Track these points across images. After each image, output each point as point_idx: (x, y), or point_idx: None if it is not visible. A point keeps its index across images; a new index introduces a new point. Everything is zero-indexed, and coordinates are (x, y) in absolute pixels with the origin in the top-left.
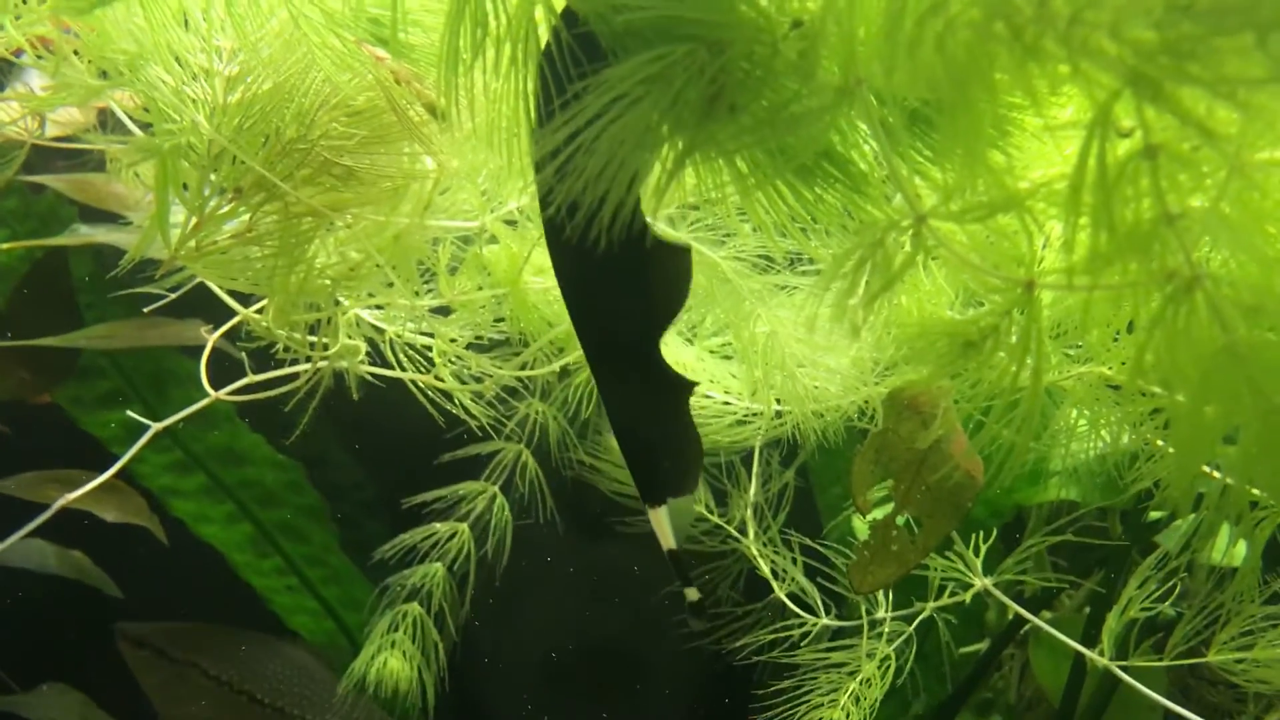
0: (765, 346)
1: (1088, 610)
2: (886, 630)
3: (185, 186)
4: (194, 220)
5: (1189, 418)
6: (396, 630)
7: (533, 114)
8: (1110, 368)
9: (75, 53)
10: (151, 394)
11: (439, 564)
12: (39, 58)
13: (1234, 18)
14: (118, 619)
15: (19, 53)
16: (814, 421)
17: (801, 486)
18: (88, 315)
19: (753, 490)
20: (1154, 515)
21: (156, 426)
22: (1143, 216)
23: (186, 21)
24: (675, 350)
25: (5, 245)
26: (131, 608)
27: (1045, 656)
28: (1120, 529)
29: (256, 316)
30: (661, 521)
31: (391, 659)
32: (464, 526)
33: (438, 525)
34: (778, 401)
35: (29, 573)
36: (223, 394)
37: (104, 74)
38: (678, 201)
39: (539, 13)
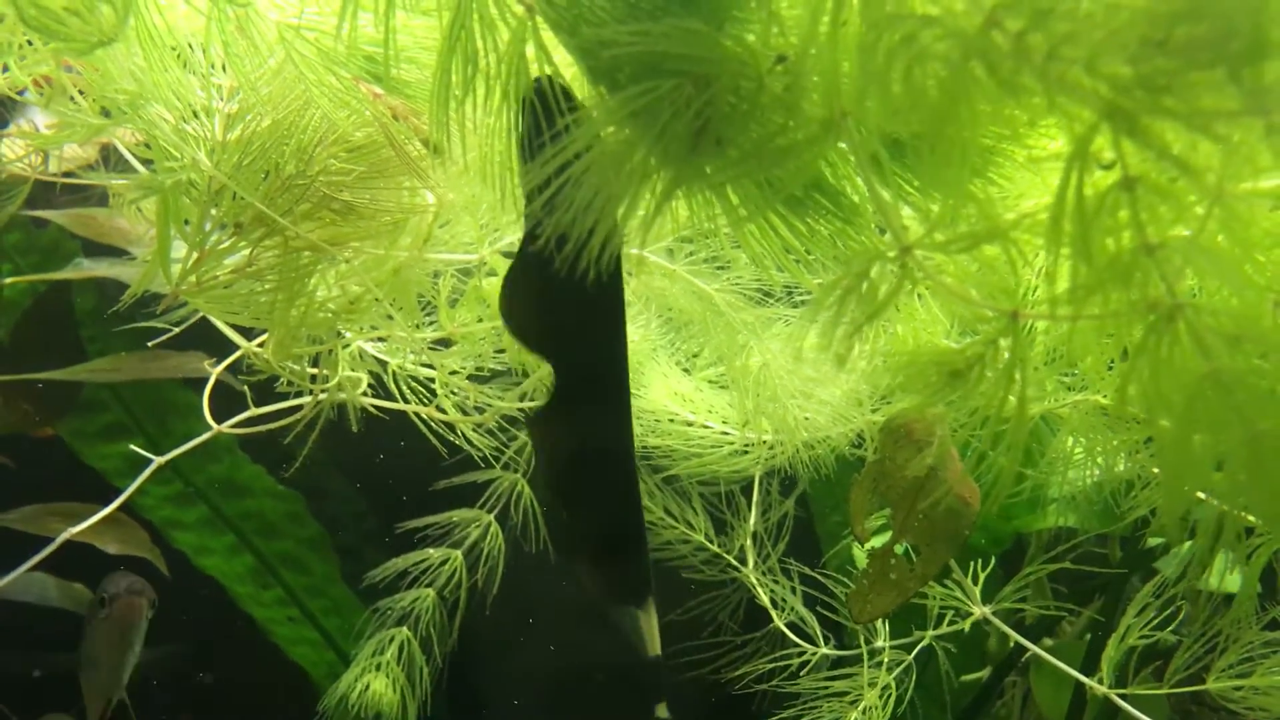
0: (757, 377)
1: (1088, 637)
2: (885, 659)
3: (187, 222)
4: (195, 255)
5: (1175, 445)
6: (383, 653)
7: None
8: (1105, 395)
9: (80, 92)
10: (153, 426)
11: (430, 589)
12: (40, 93)
13: (1207, 52)
14: None
15: (22, 91)
16: (806, 452)
17: (801, 515)
18: (90, 349)
19: (752, 519)
20: (1153, 541)
21: (159, 460)
22: (1123, 247)
23: (186, 62)
24: (673, 380)
25: (9, 279)
26: None
27: (1047, 684)
28: (1120, 555)
29: (258, 350)
30: (650, 623)
31: (375, 681)
32: (457, 553)
33: (430, 551)
34: (770, 431)
35: (30, 605)
36: (225, 427)
37: (105, 112)
38: (671, 234)
39: (530, 50)
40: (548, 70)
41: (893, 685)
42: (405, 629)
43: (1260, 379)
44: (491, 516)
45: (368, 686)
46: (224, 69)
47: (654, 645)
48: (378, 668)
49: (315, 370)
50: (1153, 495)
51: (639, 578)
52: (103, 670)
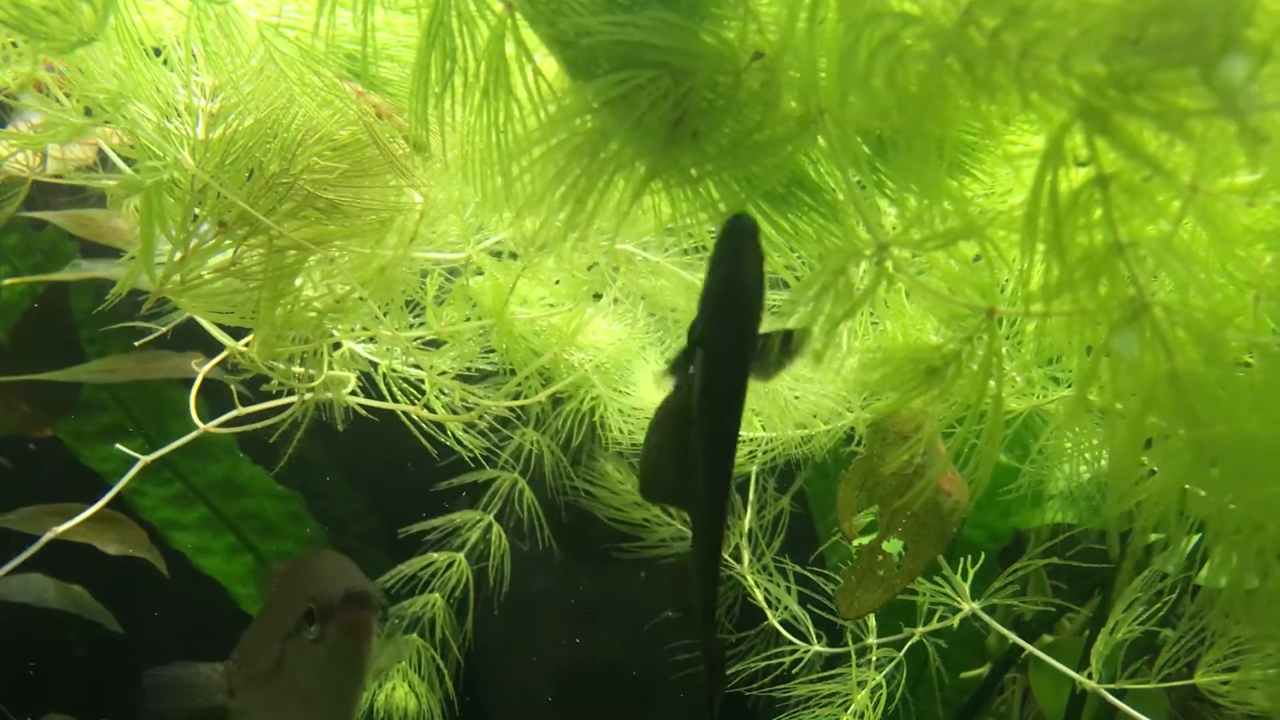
0: None
1: (1087, 634)
2: (874, 657)
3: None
4: (179, 254)
5: (1125, 447)
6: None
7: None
8: (1090, 393)
9: (67, 95)
10: (152, 427)
11: (437, 594)
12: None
13: (1179, 51)
14: (118, 651)
15: (10, 95)
16: (800, 445)
17: (799, 512)
18: (89, 350)
19: (748, 517)
20: (1152, 538)
21: (144, 460)
22: (1096, 244)
23: (167, 60)
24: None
25: (7, 281)
26: (132, 641)
27: (1045, 680)
28: (1119, 551)
29: (244, 349)
30: None
31: (398, 689)
32: (460, 556)
33: (435, 555)
34: (762, 429)
35: (29, 606)
36: (211, 426)
37: (88, 111)
38: (655, 229)
39: (510, 49)
40: (527, 66)
41: (883, 684)
42: (415, 635)
43: (1215, 383)
44: (492, 516)
45: (394, 687)
46: (207, 67)
47: None
48: (398, 674)
49: (300, 369)
50: (1139, 491)
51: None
52: (322, 713)
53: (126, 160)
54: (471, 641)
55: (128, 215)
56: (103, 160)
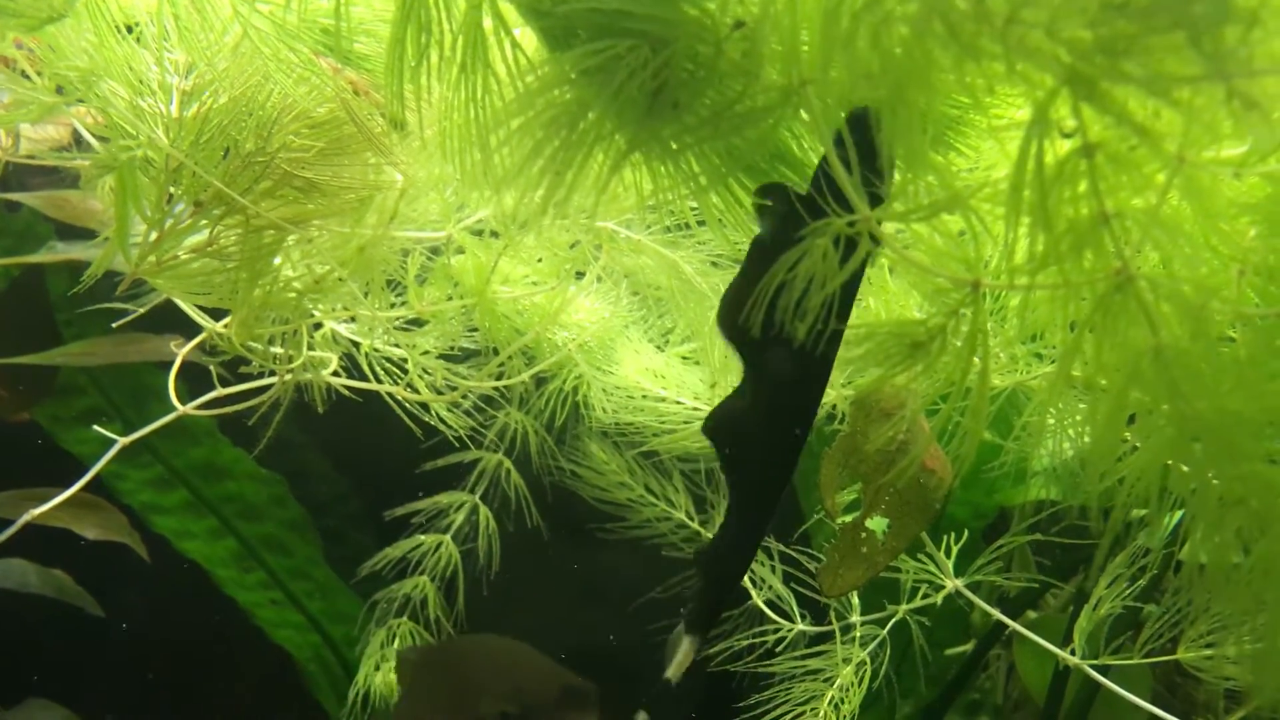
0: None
1: (1071, 610)
2: (858, 634)
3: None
4: (154, 235)
5: (1109, 417)
6: (393, 645)
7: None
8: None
9: (39, 73)
10: (131, 410)
11: (425, 577)
12: None
13: (1167, 16)
14: (101, 636)
15: None
16: None
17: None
18: (66, 333)
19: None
20: (1137, 513)
21: (122, 441)
22: (1081, 216)
23: (139, 37)
24: (645, 357)
25: None
26: (114, 625)
27: (1029, 656)
28: (1104, 527)
29: (222, 330)
30: (686, 653)
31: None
32: (447, 538)
33: (422, 537)
34: None
35: (10, 591)
36: (189, 408)
37: (60, 90)
38: (637, 206)
39: (488, 22)
40: (505, 40)
41: (867, 660)
42: (406, 620)
43: (1202, 356)
44: (477, 498)
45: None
46: (179, 44)
47: (676, 671)
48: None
49: (279, 350)
50: (1121, 467)
51: (707, 614)
52: None
53: (101, 140)
54: (464, 622)
55: (103, 196)
56: (77, 141)
